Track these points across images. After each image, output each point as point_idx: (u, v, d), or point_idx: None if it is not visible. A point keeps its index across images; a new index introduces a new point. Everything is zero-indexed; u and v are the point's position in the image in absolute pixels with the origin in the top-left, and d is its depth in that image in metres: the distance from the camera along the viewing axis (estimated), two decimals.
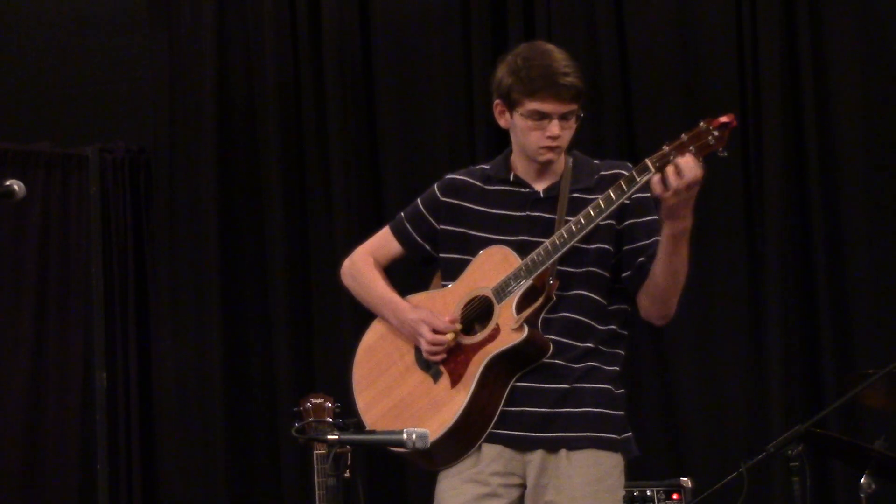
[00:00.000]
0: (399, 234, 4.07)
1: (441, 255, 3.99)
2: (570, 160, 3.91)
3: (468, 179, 3.99)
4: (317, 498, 4.89)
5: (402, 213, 4.09)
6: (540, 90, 3.78)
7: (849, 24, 6.05)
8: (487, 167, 4.00)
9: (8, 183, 3.78)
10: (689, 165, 3.59)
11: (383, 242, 4.11)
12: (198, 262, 6.70)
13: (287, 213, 6.61)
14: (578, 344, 3.83)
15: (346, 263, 4.15)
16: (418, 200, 4.06)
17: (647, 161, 3.66)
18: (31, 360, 6.57)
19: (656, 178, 3.63)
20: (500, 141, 6.11)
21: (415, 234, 4.05)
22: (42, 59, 6.98)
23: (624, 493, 3.96)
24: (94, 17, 6.99)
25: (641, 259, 3.83)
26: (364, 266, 4.10)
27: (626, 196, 3.71)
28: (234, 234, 6.70)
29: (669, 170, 3.60)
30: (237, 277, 6.68)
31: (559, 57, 3.82)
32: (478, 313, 3.89)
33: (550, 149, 3.84)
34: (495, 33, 6.40)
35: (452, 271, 3.95)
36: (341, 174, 6.54)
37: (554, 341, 3.81)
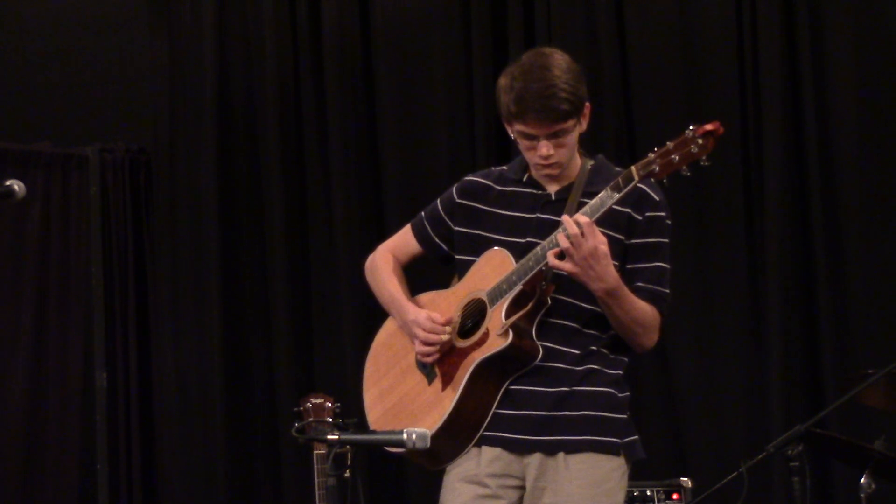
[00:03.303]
0: (418, 233, 4.09)
1: (457, 256, 4.00)
2: (590, 164, 3.89)
3: (485, 181, 3.99)
4: (317, 498, 4.90)
5: (423, 213, 4.09)
6: (523, 114, 3.76)
7: (848, 25, 6.05)
8: (506, 168, 4.00)
9: (8, 183, 3.79)
10: (582, 239, 3.62)
11: (404, 241, 4.13)
12: (198, 262, 6.70)
13: (287, 214, 6.61)
14: (576, 351, 3.82)
15: (369, 260, 4.17)
16: (438, 200, 4.06)
17: (633, 168, 3.66)
18: (31, 360, 6.57)
19: (552, 253, 3.67)
20: (501, 141, 6.16)
21: (433, 234, 4.05)
22: (42, 59, 6.98)
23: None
24: (95, 17, 6.99)
25: (639, 283, 3.82)
26: (381, 264, 4.12)
27: (613, 203, 3.68)
28: (234, 234, 6.69)
29: (563, 240, 3.64)
30: (237, 277, 6.68)
31: (550, 75, 3.74)
32: (474, 316, 3.89)
33: (545, 166, 3.83)
34: (495, 33, 6.41)
35: (465, 272, 3.96)
36: (341, 174, 6.54)
37: (551, 348, 3.80)
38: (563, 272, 3.70)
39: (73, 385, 6.62)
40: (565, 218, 3.68)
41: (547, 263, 3.73)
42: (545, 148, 3.78)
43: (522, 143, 3.83)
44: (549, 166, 3.82)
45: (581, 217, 3.67)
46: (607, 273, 3.68)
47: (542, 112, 3.73)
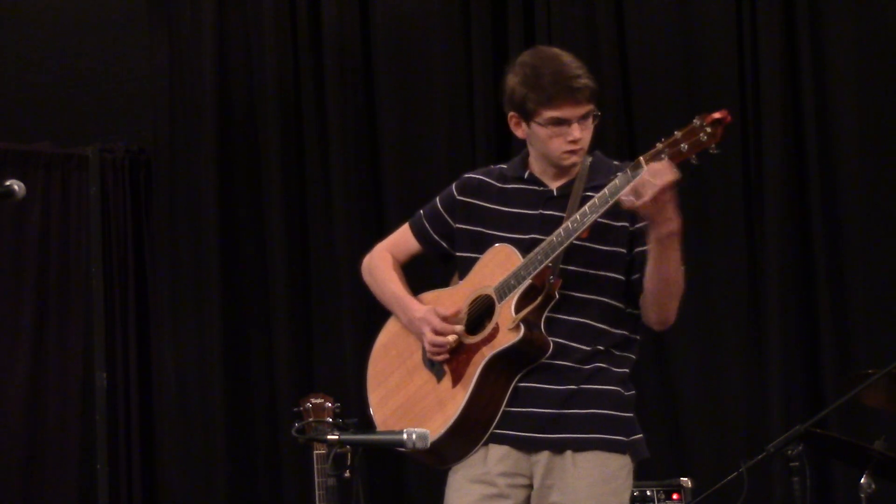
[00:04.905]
0: (417, 231, 4.08)
1: (458, 253, 4.00)
2: (589, 160, 3.90)
3: (485, 178, 3.99)
4: (317, 498, 4.90)
5: (422, 211, 4.09)
6: (556, 97, 3.78)
7: (848, 25, 6.05)
8: (505, 167, 4.01)
9: (8, 183, 3.78)
10: (659, 171, 3.58)
11: (402, 239, 4.12)
12: (198, 262, 6.70)
13: (287, 213, 6.61)
14: (586, 347, 3.82)
15: (366, 260, 4.16)
16: (437, 198, 4.06)
17: (641, 158, 3.66)
18: (31, 360, 6.57)
19: (626, 192, 3.62)
20: (501, 140, 6.17)
21: (432, 232, 4.05)
22: (42, 59, 6.98)
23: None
24: (95, 17, 6.99)
25: None
26: (381, 263, 4.11)
27: (622, 192, 3.67)
28: (234, 234, 6.69)
29: (638, 181, 3.59)
30: (237, 277, 6.68)
31: (567, 60, 3.82)
32: (482, 312, 3.88)
33: (573, 152, 3.84)
34: (495, 33, 6.41)
35: (467, 269, 3.96)
36: (341, 174, 6.55)
37: (561, 344, 3.80)
38: (637, 209, 3.63)
39: (73, 385, 6.62)
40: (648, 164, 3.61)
41: (555, 258, 3.73)
42: (577, 130, 3.80)
43: (551, 131, 3.82)
44: (575, 152, 3.83)
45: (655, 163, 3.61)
46: (674, 211, 3.63)
47: (575, 92, 3.78)
